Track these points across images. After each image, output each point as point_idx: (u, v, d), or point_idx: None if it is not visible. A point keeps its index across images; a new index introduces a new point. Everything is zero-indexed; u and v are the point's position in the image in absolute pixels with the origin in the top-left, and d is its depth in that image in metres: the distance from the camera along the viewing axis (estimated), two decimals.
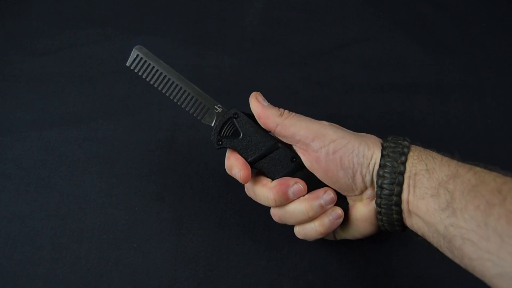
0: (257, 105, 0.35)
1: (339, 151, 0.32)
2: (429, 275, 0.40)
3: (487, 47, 0.53)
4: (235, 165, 0.35)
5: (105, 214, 0.42)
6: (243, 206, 0.43)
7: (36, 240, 0.41)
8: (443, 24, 0.55)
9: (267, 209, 0.43)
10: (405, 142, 0.32)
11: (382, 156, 0.32)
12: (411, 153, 0.31)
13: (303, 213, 0.34)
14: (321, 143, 0.33)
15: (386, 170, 0.31)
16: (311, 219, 0.35)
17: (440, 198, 0.28)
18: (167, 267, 0.40)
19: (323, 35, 0.53)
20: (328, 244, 0.41)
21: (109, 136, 0.46)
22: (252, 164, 0.35)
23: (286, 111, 0.35)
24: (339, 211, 0.34)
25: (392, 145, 0.32)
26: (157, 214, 0.42)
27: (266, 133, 0.36)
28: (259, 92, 0.36)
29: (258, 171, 0.37)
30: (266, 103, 0.36)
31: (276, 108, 0.35)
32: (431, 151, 0.31)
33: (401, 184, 0.30)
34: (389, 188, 0.31)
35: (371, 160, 0.32)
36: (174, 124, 0.46)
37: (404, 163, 0.31)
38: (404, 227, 0.32)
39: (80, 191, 0.43)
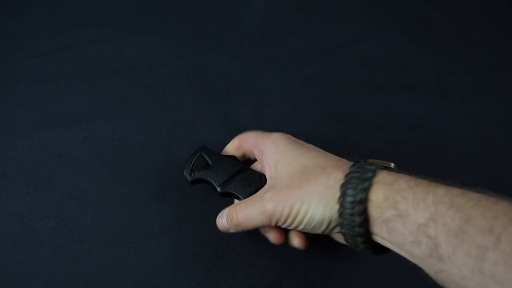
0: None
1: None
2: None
3: (487, 47, 0.53)
4: (268, 230, 0.36)
5: (105, 214, 0.42)
6: None
7: (36, 240, 0.41)
8: (443, 24, 0.55)
9: None
10: (365, 183, 0.27)
11: (340, 215, 0.28)
12: (374, 197, 0.27)
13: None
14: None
15: (347, 234, 0.29)
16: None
17: (421, 245, 0.24)
18: (167, 267, 0.40)
19: (323, 35, 0.53)
20: (328, 244, 0.41)
21: (109, 136, 0.46)
22: (224, 187, 0.37)
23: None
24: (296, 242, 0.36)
25: (350, 199, 0.27)
26: (157, 214, 0.42)
27: (233, 159, 0.38)
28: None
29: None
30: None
31: None
32: (399, 184, 0.26)
33: (364, 242, 0.28)
34: (352, 240, 0.29)
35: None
36: (174, 124, 0.46)
37: (362, 225, 0.27)
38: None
39: (80, 191, 0.43)
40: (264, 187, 0.34)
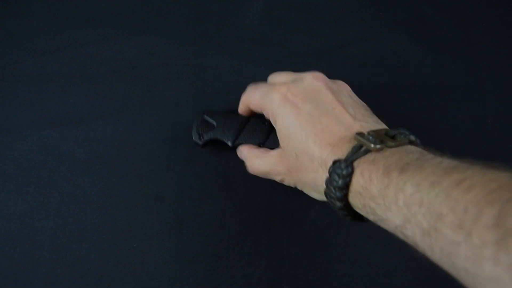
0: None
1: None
2: (429, 275, 0.40)
3: (487, 47, 0.53)
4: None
5: (105, 214, 0.42)
6: (243, 206, 0.43)
7: (36, 240, 0.41)
8: (443, 24, 0.55)
9: (267, 208, 0.43)
10: (340, 193, 0.29)
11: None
12: (353, 203, 0.29)
13: None
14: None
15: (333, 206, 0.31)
16: None
17: (406, 240, 0.26)
18: (167, 267, 0.40)
19: (323, 35, 0.53)
20: (328, 243, 0.41)
21: (109, 136, 0.46)
22: (234, 141, 0.40)
23: None
24: None
25: (333, 207, 0.31)
26: (157, 214, 0.42)
27: (234, 113, 0.40)
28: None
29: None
30: None
31: None
32: (370, 191, 0.27)
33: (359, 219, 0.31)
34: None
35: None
36: (174, 124, 0.46)
37: (354, 219, 0.31)
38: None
39: (80, 191, 0.43)
40: (277, 150, 0.36)
